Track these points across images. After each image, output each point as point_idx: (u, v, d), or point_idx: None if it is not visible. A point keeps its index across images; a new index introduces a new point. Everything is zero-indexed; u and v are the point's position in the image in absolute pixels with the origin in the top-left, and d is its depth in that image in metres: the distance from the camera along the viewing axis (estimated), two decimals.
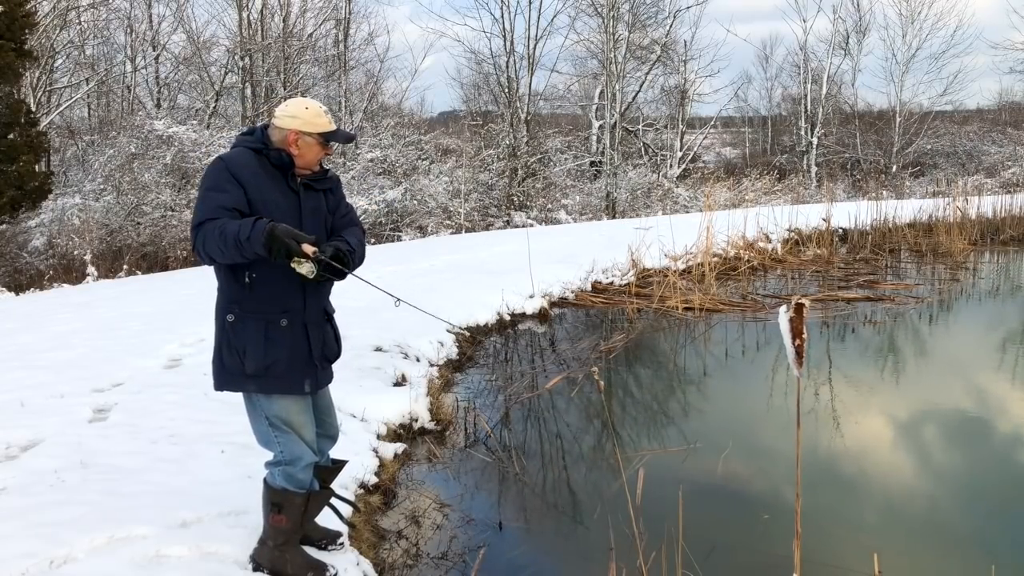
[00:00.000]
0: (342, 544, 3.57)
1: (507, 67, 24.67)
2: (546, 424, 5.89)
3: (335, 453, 3.48)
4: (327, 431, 3.35)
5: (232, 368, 2.99)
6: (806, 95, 32.46)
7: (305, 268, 2.82)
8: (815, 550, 3.75)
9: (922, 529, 4.16)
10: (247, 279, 2.94)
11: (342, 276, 2.98)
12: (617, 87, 25.27)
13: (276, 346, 2.97)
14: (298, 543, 3.30)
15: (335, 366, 3.32)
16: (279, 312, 2.98)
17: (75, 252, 13.60)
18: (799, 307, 2.12)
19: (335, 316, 3.28)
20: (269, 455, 3.17)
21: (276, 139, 3.02)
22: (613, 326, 8.78)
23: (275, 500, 3.15)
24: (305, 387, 3.08)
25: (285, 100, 3.72)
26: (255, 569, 3.26)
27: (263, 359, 2.95)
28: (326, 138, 3.03)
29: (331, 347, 3.21)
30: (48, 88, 21.07)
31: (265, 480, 3.18)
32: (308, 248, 2.80)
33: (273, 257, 2.76)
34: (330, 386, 3.34)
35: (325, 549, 3.51)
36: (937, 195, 18.81)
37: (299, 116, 2.99)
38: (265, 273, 2.93)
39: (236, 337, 2.97)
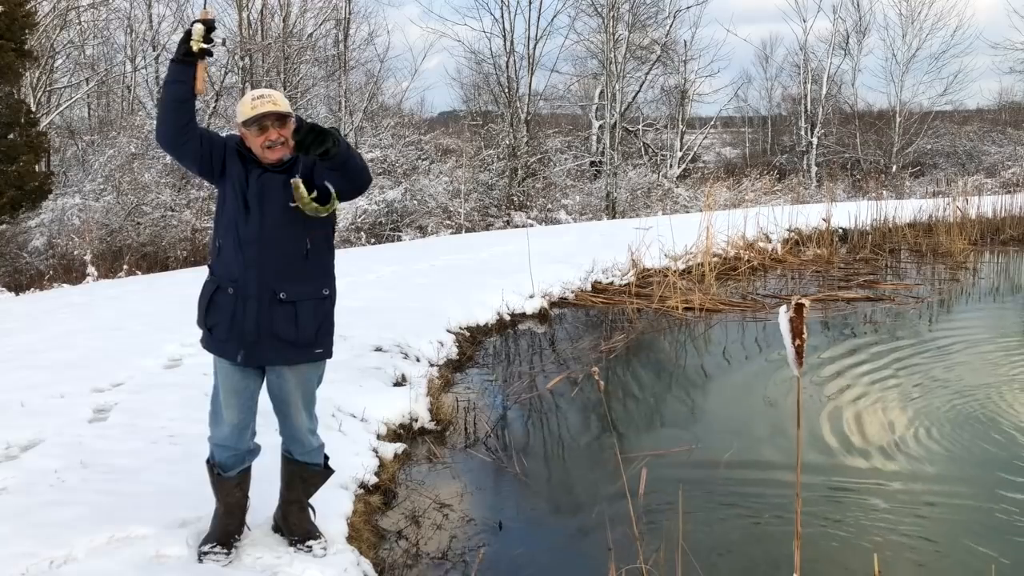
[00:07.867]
0: (310, 546, 3.38)
1: (507, 67, 24.61)
2: (546, 424, 5.89)
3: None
4: (290, 431, 3.29)
5: (198, 320, 3.26)
6: (806, 95, 32.38)
7: (196, 29, 2.89)
8: (815, 550, 3.76)
9: (922, 529, 4.16)
10: (218, 244, 3.18)
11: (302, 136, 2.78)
12: (617, 87, 25.25)
13: (218, 310, 3.14)
14: (226, 513, 3.34)
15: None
16: (228, 281, 3.13)
17: (75, 252, 13.59)
18: (799, 307, 2.12)
19: (318, 302, 3.16)
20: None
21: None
22: (613, 326, 8.78)
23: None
24: (238, 357, 3.13)
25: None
26: None
27: (205, 318, 3.18)
28: (246, 124, 3.04)
29: (281, 327, 3.09)
30: (48, 88, 21.02)
31: None
32: (197, 27, 2.90)
33: (184, 53, 2.91)
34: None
35: (296, 547, 3.38)
36: (937, 195, 18.78)
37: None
38: (225, 242, 3.14)
39: (200, 294, 3.23)
